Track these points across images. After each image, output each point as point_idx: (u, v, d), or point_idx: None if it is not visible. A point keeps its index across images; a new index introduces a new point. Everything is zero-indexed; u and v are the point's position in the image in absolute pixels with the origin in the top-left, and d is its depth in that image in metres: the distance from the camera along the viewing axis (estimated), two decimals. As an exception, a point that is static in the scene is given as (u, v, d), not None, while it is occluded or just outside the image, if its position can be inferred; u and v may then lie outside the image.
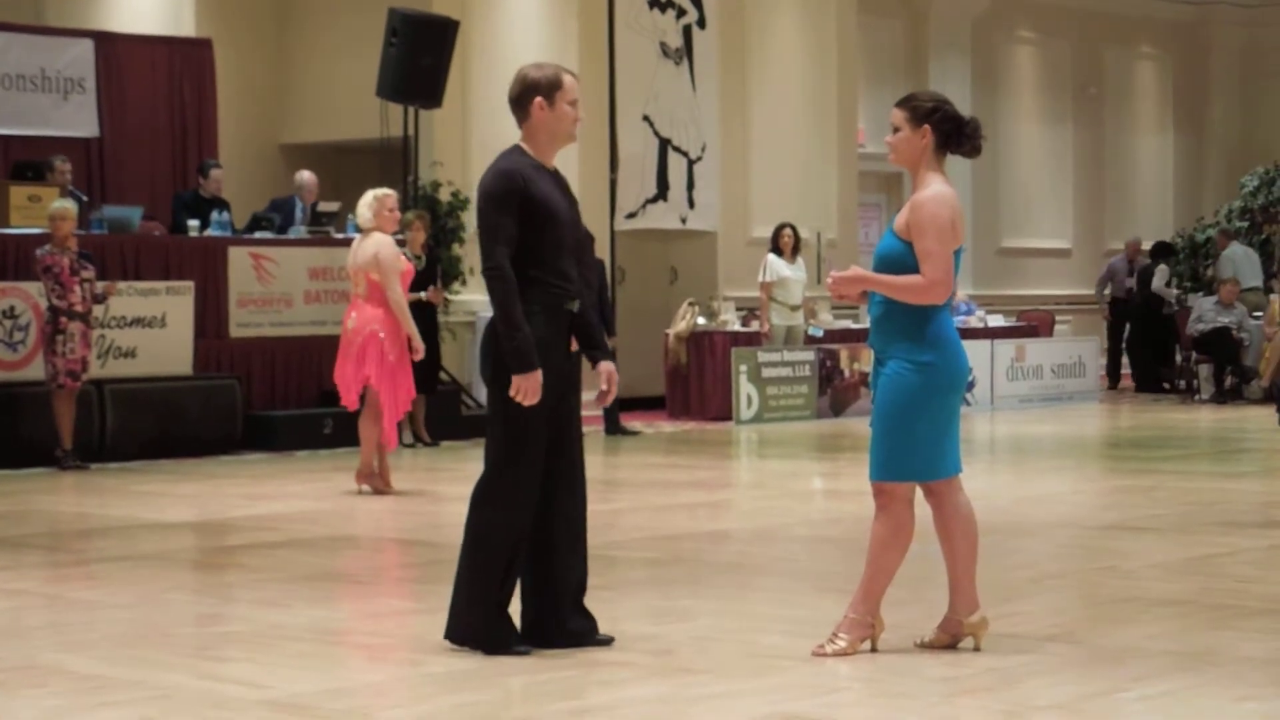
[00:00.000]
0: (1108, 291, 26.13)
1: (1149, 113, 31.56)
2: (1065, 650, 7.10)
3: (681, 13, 22.03)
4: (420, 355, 13.27)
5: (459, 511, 12.55)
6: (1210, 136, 32.20)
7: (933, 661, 6.87)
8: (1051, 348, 23.74)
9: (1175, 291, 25.41)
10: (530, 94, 7.13)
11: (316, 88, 21.62)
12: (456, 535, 11.63)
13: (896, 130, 7.05)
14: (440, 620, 7.19)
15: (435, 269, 17.30)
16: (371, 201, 13.18)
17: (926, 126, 6.99)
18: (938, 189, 6.96)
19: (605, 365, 7.27)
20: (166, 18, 20.92)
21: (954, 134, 7.01)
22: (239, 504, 12.89)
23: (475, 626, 7.06)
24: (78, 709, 6.29)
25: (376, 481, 13.25)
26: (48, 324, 14.93)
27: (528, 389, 6.94)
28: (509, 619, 7.11)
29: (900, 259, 6.92)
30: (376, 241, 13.10)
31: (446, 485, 13.93)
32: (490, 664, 6.92)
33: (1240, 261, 24.81)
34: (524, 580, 7.16)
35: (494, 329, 7.06)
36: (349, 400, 13.24)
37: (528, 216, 7.02)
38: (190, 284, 16.56)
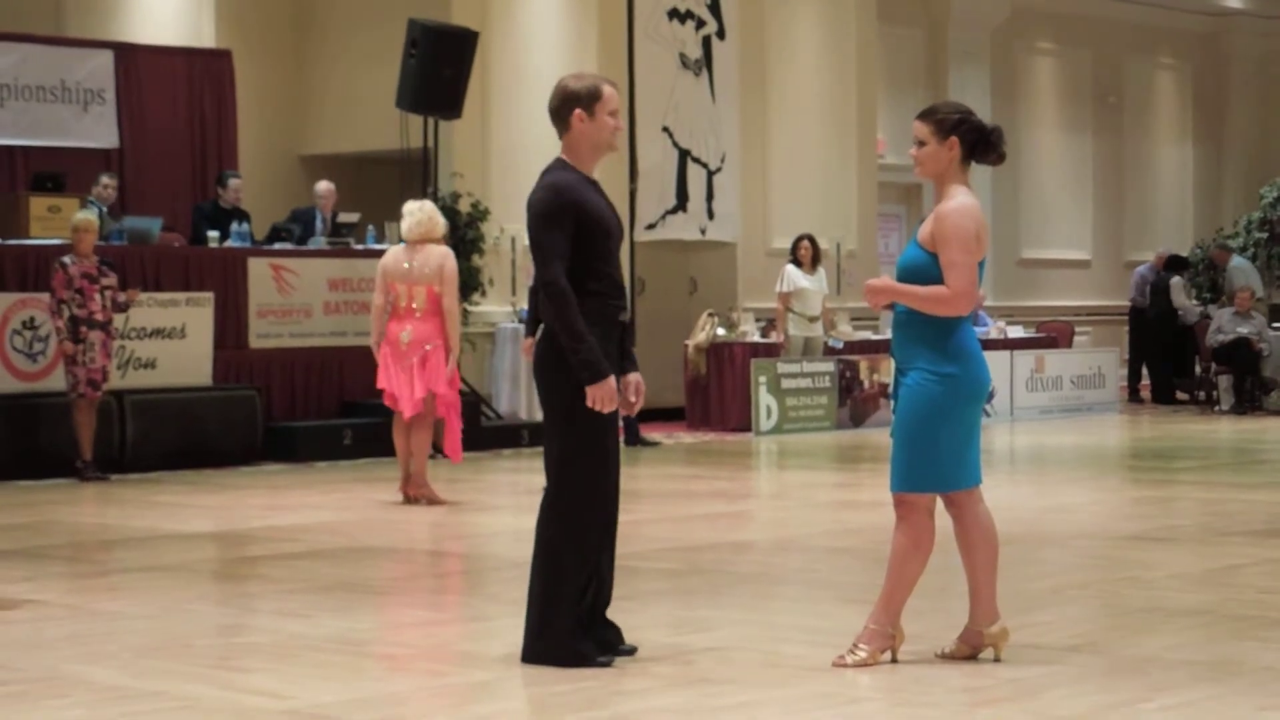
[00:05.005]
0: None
1: (1168, 123, 31.52)
2: (1086, 661, 7.09)
3: (701, 23, 22.03)
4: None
5: (479, 522, 12.70)
6: (1229, 147, 32.15)
7: (953, 672, 6.87)
8: (1071, 359, 23.69)
9: (1198, 305, 25.34)
10: (570, 105, 7.06)
11: (336, 99, 21.65)
12: (477, 545, 11.67)
13: (921, 144, 6.99)
14: (462, 630, 7.20)
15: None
16: (430, 211, 13.14)
17: (954, 138, 6.95)
18: (962, 200, 6.93)
19: (634, 376, 7.21)
20: (186, 29, 20.99)
21: (979, 144, 6.98)
22: (259, 515, 12.91)
23: (554, 646, 6.94)
24: None
25: (428, 491, 13.24)
26: (66, 337, 14.89)
27: (602, 397, 6.87)
28: (584, 633, 7.03)
29: (924, 270, 6.91)
30: (442, 253, 13.05)
31: (467, 496, 13.94)
32: (512, 674, 6.92)
33: (1249, 273, 24.81)
34: None
35: (550, 347, 6.97)
36: (407, 407, 13.15)
37: (582, 231, 6.94)
38: (210, 295, 16.58)
